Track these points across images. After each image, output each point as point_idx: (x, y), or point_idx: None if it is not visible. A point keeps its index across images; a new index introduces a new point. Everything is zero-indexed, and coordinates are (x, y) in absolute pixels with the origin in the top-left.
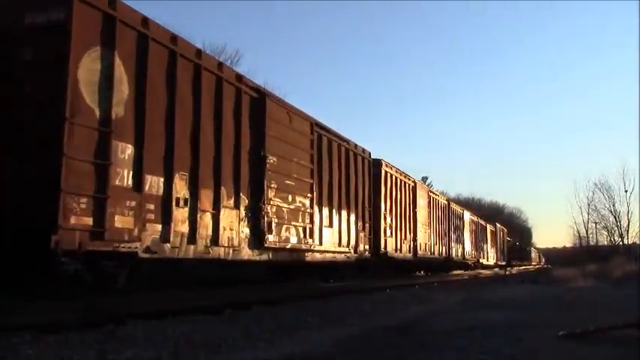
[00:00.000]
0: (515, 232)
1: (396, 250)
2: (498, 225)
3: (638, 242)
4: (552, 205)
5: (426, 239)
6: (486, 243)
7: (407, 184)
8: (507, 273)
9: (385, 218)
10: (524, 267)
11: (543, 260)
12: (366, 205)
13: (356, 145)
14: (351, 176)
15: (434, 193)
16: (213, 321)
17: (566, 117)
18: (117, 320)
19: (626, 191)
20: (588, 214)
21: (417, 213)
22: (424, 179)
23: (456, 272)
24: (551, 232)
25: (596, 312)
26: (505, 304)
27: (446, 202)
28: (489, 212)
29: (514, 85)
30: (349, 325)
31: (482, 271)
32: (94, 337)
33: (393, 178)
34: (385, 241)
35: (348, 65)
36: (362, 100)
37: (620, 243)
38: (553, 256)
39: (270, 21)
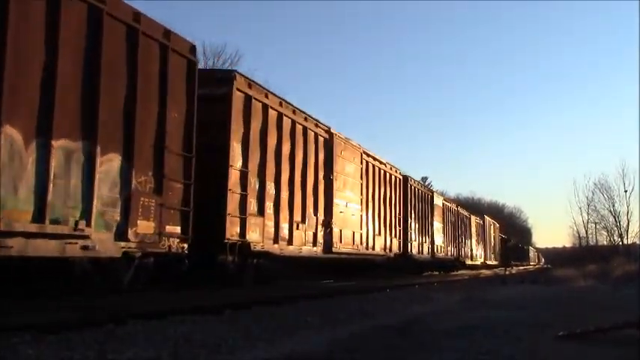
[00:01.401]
0: (512, 231)
1: (271, 239)
2: (488, 218)
3: (637, 242)
4: (552, 205)
5: (354, 225)
6: (470, 238)
7: (310, 132)
8: (507, 273)
9: (245, 181)
10: (523, 267)
11: (542, 260)
12: (172, 145)
13: (137, 16)
14: (102, 73)
15: (377, 160)
16: (213, 321)
17: (566, 117)
18: (117, 320)
19: (625, 191)
20: (588, 214)
21: (335, 181)
22: (424, 179)
23: (431, 274)
24: (551, 232)
25: (596, 312)
26: (505, 304)
27: (401, 177)
28: (489, 212)
29: (514, 85)
30: (349, 325)
31: (465, 271)
32: (94, 337)
33: (269, 112)
34: (243, 222)
35: (348, 65)
36: (363, 100)
37: (620, 243)
38: (553, 256)
39: (269, 21)
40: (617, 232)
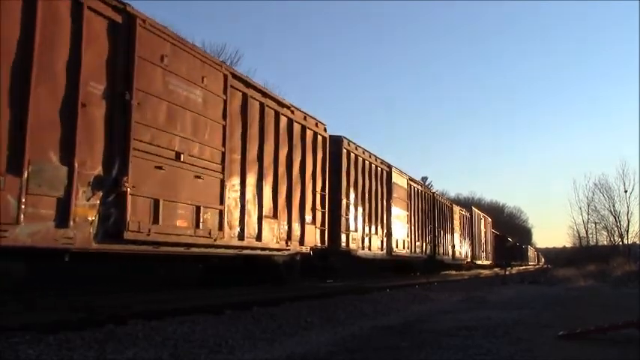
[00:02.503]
0: (513, 232)
1: None
2: (477, 211)
3: (637, 242)
4: (552, 205)
5: (202, 196)
6: (452, 233)
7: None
8: (507, 273)
9: None
10: (523, 267)
11: (542, 260)
12: None
13: None
14: None
15: (270, 98)
16: (213, 321)
17: (566, 117)
18: (117, 320)
19: (625, 191)
20: (588, 214)
21: (139, 107)
22: (424, 179)
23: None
24: (551, 232)
25: (596, 312)
26: (505, 304)
27: (326, 136)
28: (489, 212)
29: (515, 85)
30: (350, 325)
31: (448, 273)
32: (94, 337)
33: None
34: None
35: (348, 65)
36: (363, 100)
37: (620, 243)
38: (553, 256)
39: (270, 20)
40: (617, 232)
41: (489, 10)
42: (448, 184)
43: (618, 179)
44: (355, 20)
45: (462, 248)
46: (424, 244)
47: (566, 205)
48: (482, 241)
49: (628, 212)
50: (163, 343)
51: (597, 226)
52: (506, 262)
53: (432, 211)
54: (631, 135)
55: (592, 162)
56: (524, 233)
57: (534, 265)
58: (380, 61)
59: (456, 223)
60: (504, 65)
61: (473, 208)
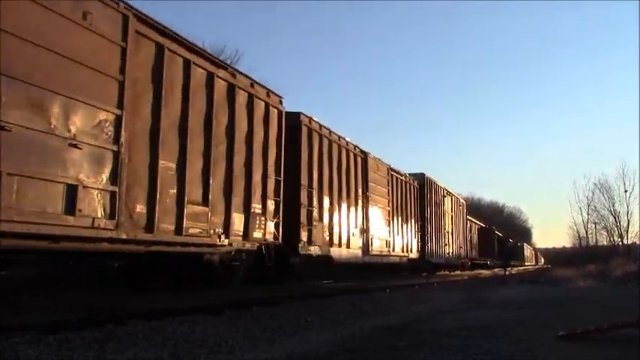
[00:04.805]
0: (514, 232)
1: None
2: (435, 181)
3: (637, 242)
4: (552, 205)
5: None
6: (360, 205)
7: None
8: (507, 273)
9: None
10: (522, 268)
11: (542, 260)
12: None
13: None
14: None
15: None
16: (213, 321)
17: (566, 117)
18: (117, 320)
19: (625, 191)
20: (588, 214)
21: None
22: None
23: None
24: (551, 232)
25: (596, 312)
26: (505, 304)
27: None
28: (489, 212)
29: (515, 85)
30: (349, 325)
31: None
32: (94, 337)
33: None
34: None
35: (348, 64)
36: (363, 99)
37: (620, 243)
38: (553, 256)
39: (270, 20)
40: (617, 232)
41: (490, 9)
42: (448, 184)
43: (618, 179)
44: (356, 18)
45: (396, 238)
46: (251, 221)
47: (566, 205)
48: (448, 229)
49: (628, 212)
50: (163, 343)
51: (597, 226)
52: (506, 261)
53: (286, 148)
54: (631, 135)
55: (592, 162)
56: (524, 233)
57: (533, 266)
58: (381, 60)
59: (382, 190)
60: (504, 64)
61: (426, 175)
